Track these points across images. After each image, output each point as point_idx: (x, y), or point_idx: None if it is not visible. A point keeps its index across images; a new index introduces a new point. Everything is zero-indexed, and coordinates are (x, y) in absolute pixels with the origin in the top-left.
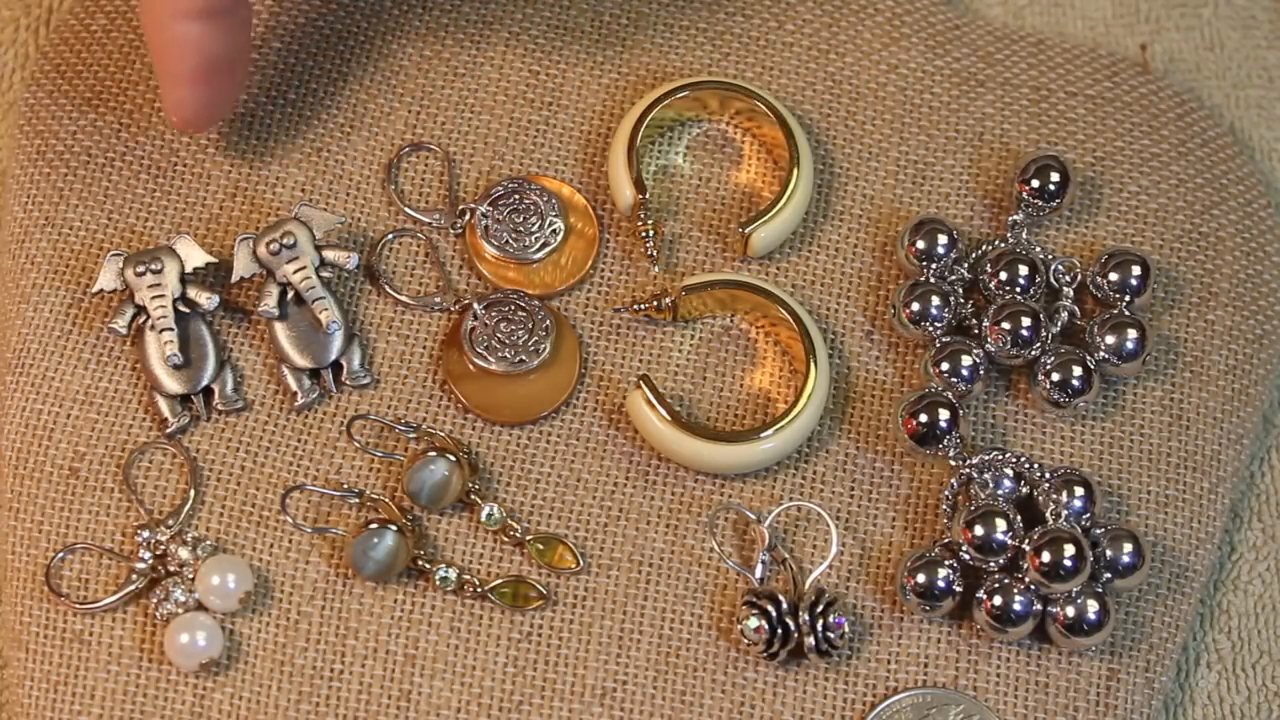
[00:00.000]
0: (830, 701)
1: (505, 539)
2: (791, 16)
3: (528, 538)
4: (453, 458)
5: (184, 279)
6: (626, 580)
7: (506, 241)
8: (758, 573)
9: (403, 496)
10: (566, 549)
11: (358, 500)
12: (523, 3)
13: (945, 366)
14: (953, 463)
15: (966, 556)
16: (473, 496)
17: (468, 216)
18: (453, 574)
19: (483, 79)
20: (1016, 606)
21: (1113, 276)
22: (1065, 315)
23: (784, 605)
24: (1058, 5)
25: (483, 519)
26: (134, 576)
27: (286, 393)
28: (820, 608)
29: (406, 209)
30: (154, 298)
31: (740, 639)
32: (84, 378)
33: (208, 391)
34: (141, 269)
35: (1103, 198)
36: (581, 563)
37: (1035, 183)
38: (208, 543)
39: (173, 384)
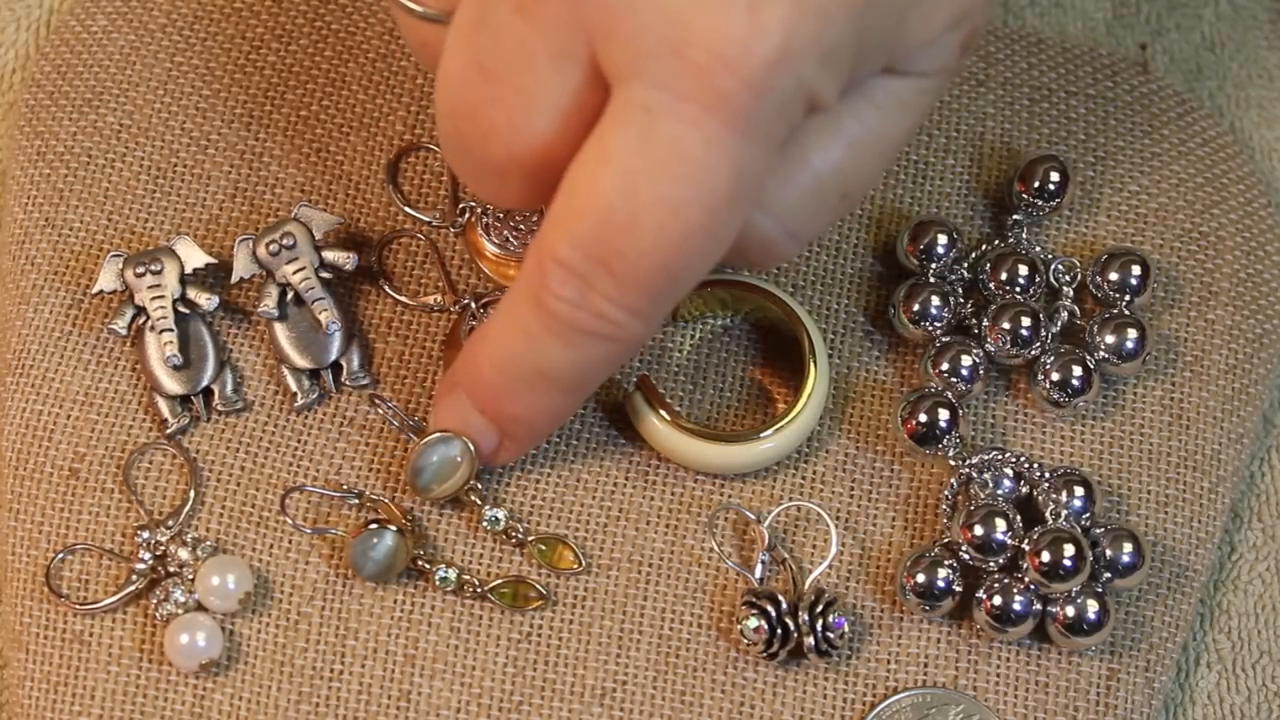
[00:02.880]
0: (830, 701)
1: (506, 539)
2: None
3: (529, 539)
4: (465, 443)
5: (184, 280)
6: (626, 580)
7: (507, 239)
8: (757, 573)
9: (402, 497)
10: (569, 549)
11: (357, 501)
12: None
13: (945, 366)
14: (952, 463)
15: (966, 556)
16: (473, 496)
17: (468, 215)
18: (452, 574)
19: None
20: (1016, 606)
21: (1113, 276)
22: (1065, 315)
23: (784, 605)
24: (1058, 5)
25: (485, 522)
26: (134, 577)
27: (286, 393)
28: (820, 608)
29: (406, 209)
30: (154, 298)
31: (740, 639)
32: (84, 378)
33: (208, 392)
34: (141, 270)
35: (1103, 197)
36: (584, 563)
37: (1035, 182)
38: (208, 543)
39: (173, 385)
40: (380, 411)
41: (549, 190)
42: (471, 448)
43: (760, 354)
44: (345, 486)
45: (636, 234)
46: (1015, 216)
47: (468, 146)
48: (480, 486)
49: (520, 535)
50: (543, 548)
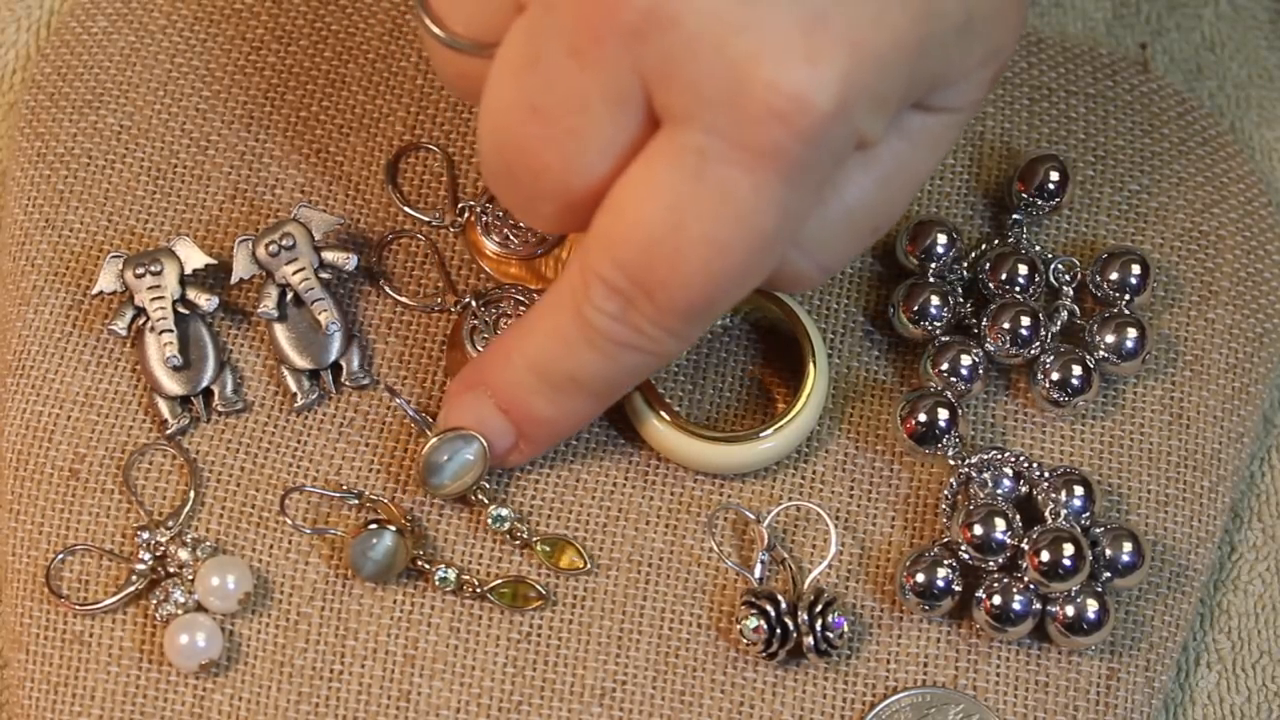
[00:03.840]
0: (829, 701)
1: (511, 539)
2: None
3: (534, 539)
4: (481, 441)
5: (183, 280)
6: (626, 580)
7: (507, 237)
8: (757, 572)
9: (402, 497)
10: (574, 549)
11: (357, 501)
12: None
13: (944, 366)
14: (952, 462)
15: (966, 556)
16: (480, 495)
17: (467, 215)
18: (452, 574)
19: None
20: (1016, 606)
21: (1112, 275)
22: (1065, 314)
23: (783, 605)
24: (1058, 5)
25: (491, 521)
26: (134, 578)
27: (286, 394)
28: (819, 608)
29: (406, 209)
30: (154, 299)
31: (739, 639)
32: (84, 379)
33: (207, 393)
34: (141, 271)
35: (1103, 197)
36: (588, 563)
37: (1035, 182)
38: (207, 544)
39: (173, 385)
40: (395, 403)
41: (592, 218)
42: (486, 446)
43: (760, 354)
44: (345, 487)
45: (680, 267)
46: (1015, 216)
47: (516, 179)
48: (488, 486)
49: (525, 536)
50: (547, 548)
